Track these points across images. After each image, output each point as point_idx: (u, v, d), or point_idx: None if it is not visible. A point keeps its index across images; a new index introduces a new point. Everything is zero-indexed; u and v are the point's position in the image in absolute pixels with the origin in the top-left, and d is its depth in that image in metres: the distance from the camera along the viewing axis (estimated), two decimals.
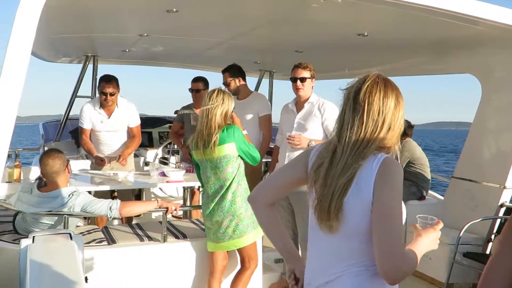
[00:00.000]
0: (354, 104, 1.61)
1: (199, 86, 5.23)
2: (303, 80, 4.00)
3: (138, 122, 5.05)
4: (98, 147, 4.98)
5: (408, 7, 3.22)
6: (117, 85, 4.82)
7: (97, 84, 4.83)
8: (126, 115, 4.95)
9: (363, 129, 1.58)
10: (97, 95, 5.00)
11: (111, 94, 4.76)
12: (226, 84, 4.93)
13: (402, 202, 1.55)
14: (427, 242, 1.61)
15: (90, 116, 4.89)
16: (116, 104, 4.89)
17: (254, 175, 4.79)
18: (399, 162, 1.62)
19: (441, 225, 1.65)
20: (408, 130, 5.69)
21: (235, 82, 4.94)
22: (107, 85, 4.74)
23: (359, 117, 1.59)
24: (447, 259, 4.33)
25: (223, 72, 4.99)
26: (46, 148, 6.20)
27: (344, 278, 1.57)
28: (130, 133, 5.02)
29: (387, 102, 1.60)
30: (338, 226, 1.55)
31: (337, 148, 1.61)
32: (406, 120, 5.70)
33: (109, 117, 4.89)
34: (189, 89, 5.31)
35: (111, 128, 4.92)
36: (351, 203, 1.54)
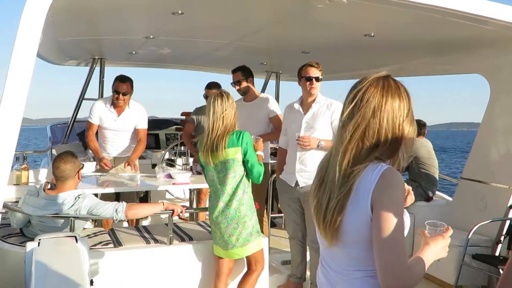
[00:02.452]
0: (345, 109, 1.54)
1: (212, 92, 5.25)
2: (318, 79, 3.97)
3: (146, 125, 5.10)
4: (102, 145, 5.03)
5: (415, 7, 3.19)
6: (131, 87, 4.91)
7: (112, 83, 4.90)
8: (135, 116, 5.01)
9: (356, 137, 1.50)
10: (109, 94, 5.04)
11: (124, 94, 4.84)
12: (238, 82, 4.89)
13: (405, 211, 1.50)
14: (435, 251, 1.55)
15: (100, 112, 4.95)
16: (128, 105, 4.96)
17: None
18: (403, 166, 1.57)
19: (450, 232, 1.59)
20: (420, 129, 5.66)
21: (247, 82, 4.93)
22: (120, 84, 4.83)
23: (354, 123, 1.51)
24: (456, 261, 4.29)
25: (235, 71, 4.95)
26: (54, 151, 6.24)
27: (348, 285, 1.55)
28: (137, 135, 5.05)
29: (386, 106, 1.50)
30: (338, 237, 1.51)
31: (331, 157, 1.56)
32: (417, 120, 5.74)
33: (118, 116, 4.94)
34: (204, 95, 5.33)
35: (118, 127, 4.97)
36: (351, 216, 1.49)
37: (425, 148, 5.54)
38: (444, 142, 77.78)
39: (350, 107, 1.53)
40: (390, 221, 1.42)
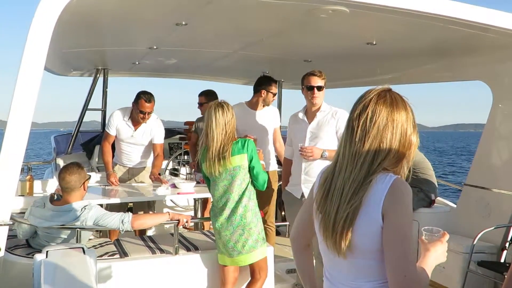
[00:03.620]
0: (355, 121, 1.56)
1: (201, 100, 5.35)
2: (320, 88, 3.94)
3: (162, 140, 5.06)
4: (118, 156, 5.05)
5: (416, 15, 3.22)
6: (154, 103, 4.85)
7: (134, 99, 4.83)
8: (152, 131, 4.97)
9: (372, 150, 1.52)
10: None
11: (149, 113, 4.82)
12: (275, 94, 4.85)
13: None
14: (435, 256, 1.60)
15: (117, 124, 4.93)
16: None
17: (268, 185, 4.76)
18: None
19: (447, 236, 1.64)
20: None
21: None
22: (146, 105, 4.76)
23: (359, 136, 1.54)
24: (461, 268, 4.27)
25: (271, 82, 4.80)
26: (58, 161, 6.26)
27: None
28: (153, 149, 5.02)
29: (396, 119, 1.54)
30: (347, 249, 1.52)
31: (337, 167, 1.58)
32: None
33: (135, 131, 4.93)
34: (198, 103, 5.38)
35: (134, 141, 4.96)
36: (360, 225, 1.50)
37: (419, 153, 5.55)
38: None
39: (362, 121, 1.55)
40: (402, 231, 1.46)
